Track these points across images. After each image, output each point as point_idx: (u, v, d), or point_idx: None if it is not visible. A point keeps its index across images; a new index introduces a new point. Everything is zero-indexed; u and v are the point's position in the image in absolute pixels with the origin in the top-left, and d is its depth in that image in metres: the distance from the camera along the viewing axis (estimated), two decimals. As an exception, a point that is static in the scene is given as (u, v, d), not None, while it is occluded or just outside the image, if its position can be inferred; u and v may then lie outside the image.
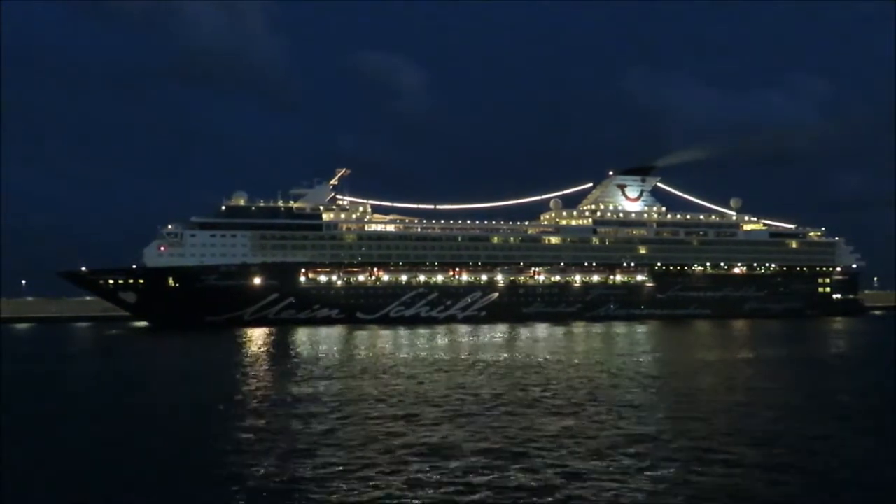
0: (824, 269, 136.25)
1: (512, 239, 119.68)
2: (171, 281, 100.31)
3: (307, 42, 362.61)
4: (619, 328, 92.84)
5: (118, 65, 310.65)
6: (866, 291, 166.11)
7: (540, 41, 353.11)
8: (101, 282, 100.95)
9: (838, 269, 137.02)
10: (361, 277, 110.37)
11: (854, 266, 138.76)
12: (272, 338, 75.96)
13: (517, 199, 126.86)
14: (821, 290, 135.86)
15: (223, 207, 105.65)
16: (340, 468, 20.84)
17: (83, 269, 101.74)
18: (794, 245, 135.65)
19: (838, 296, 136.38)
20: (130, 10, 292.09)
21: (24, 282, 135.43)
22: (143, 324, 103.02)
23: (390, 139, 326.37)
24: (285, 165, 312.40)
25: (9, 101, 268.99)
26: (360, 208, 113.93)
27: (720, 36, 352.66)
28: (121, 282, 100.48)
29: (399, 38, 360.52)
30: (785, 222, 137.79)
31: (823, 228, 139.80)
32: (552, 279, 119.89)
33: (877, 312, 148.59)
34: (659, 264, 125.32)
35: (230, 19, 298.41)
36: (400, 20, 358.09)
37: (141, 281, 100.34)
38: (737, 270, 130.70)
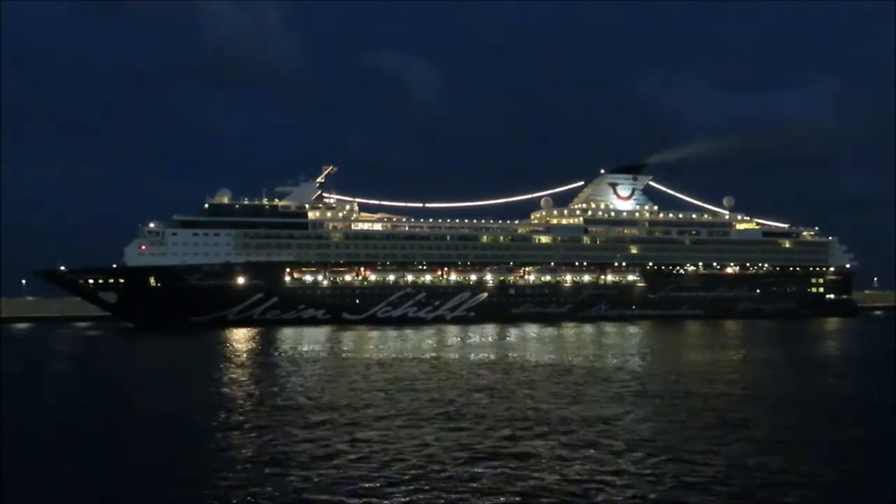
0: (818, 268, 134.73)
1: (502, 238, 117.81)
2: (152, 280, 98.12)
3: (320, 41, 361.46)
4: (610, 328, 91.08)
5: (131, 64, 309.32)
6: (866, 291, 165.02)
7: (550, 41, 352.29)
8: (81, 281, 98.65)
9: (832, 268, 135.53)
10: (348, 277, 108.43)
11: (848, 266, 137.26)
12: (255, 339, 73.84)
13: (508, 197, 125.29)
14: (814, 290, 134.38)
15: (206, 205, 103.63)
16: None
17: (62, 268, 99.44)
18: (788, 245, 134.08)
19: (832, 296, 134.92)
20: (142, 10, 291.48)
21: (23, 281, 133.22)
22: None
23: (398, 138, 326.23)
24: (295, 164, 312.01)
25: (15, 100, 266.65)
26: (347, 207, 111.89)
27: (727, 36, 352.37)
28: (100, 281, 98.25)
29: (409, 38, 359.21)
30: (778, 222, 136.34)
31: (817, 228, 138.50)
32: (542, 279, 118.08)
33: (877, 313, 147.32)
34: (651, 264, 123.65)
35: (244, 18, 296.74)
36: (410, 20, 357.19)
37: (121, 280, 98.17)
38: (729, 270, 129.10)
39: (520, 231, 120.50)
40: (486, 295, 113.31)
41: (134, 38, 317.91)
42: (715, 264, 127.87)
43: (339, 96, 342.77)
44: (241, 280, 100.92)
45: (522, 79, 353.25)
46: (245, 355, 55.78)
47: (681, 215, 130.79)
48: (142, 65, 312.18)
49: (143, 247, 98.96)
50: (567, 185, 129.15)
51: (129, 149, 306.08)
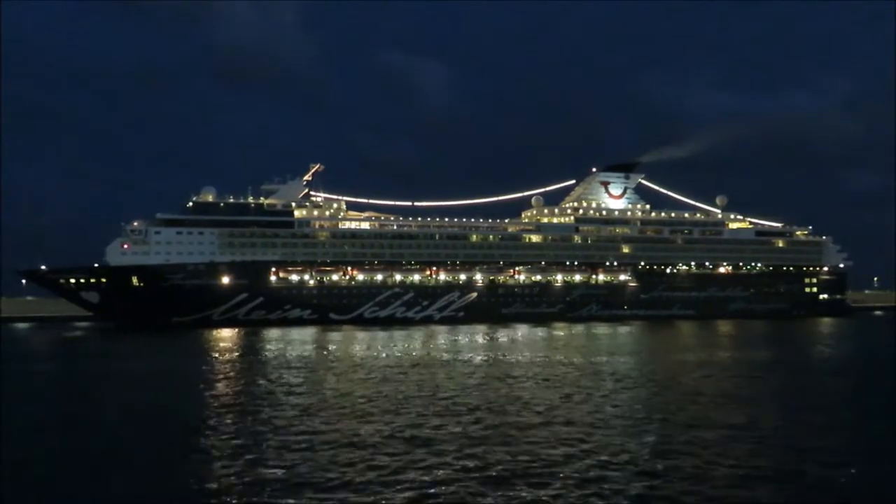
0: (811, 268, 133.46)
1: (491, 237, 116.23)
2: (135, 280, 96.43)
3: (330, 41, 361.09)
4: (602, 329, 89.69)
5: (144, 63, 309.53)
6: (866, 291, 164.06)
7: (554, 41, 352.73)
8: (62, 281, 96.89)
9: (825, 268, 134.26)
10: (335, 277, 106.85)
11: (841, 266, 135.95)
12: (238, 340, 72.24)
13: (498, 196, 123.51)
14: (807, 290, 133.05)
15: (190, 204, 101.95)
16: None
17: (42, 267, 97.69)
18: (781, 244, 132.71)
19: (825, 296, 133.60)
20: (152, 10, 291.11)
21: (24, 281, 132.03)
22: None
23: (401, 137, 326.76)
24: (299, 163, 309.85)
25: (17, 100, 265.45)
26: (335, 205, 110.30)
27: (730, 36, 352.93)
28: (82, 281, 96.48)
29: (414, 38, 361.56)
30: (772, 221, 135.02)
31: (810, 227, 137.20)
32: (533, 279, 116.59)
33: (877, 313, 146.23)
34: (642, 263, 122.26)
35: (257, 18, 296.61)
36: (412, 20, 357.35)
37: (103, 280, 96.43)
38: (722, 270, 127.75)
39: (510, 230, 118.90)
40: (475, 295, 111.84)
41: (143, 37, 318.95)
42: (707, 264, 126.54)
43: (345, 95, 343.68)
44: (225, 280, 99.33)
45: (526, 79, 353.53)
46: (230, 357, 54.21)
47: (673, 214, 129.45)
48: (151, 65, 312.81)
49: (126, 245, 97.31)
50: (558, 183, 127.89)
51: (135, 149, 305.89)
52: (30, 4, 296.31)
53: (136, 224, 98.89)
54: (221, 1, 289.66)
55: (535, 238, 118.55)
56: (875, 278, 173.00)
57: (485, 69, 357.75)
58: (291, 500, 18.28)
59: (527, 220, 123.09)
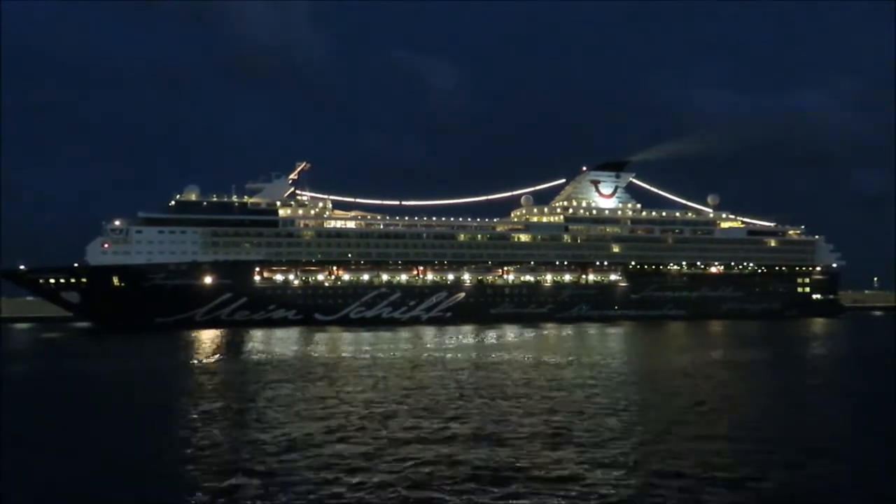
0: (804, 268, 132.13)
1: (480, 236, 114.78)
2: (116, 280, 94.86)
3: (336, 41, 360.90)
4: (592, 329, 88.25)
5: (150, 62, 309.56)
6: (866, 291, 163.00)
7: (557, 41, 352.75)
8: (41, 281, 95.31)
9: (818, 268, 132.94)
10: (320, 277, 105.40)
11: (834, 265, 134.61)
12: (219, 340, 70.74)
13: (487, 195, 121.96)
14: (800, 289, 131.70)
15: (172, 203, 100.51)
16: None
17: (21, 267, 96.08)
18: (773, 244, 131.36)
19: (818, 296, 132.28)
20: (163, 8, 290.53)
21: None
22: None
23: (409, 136, 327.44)
24: (303, 160, 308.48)
25: (19, 100, 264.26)
26: (320, 204, 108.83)
27: (733, 36, 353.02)
28: (62, 281, 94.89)
29: (423, 37, 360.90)
30: (764, 220, 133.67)
31: (803, 227, 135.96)
32: (522, 279, 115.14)
33: (877, 313, 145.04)
34: (633, 263, 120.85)
35: (266, 16, 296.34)
36: (414, 20, 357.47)
37: (84, 280, 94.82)
38: (714, 270, 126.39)
39: (498, 229, 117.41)
40: (463, 295, 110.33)
41: (150, 36, 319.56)
42: (699, 263, 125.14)
43: (351, 93, 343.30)
44: (208, 280, 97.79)
45: (530, 79, 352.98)
46: (214, 357, 52.77)
47: (664, 213, 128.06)
48: (157, 63, 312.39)
49: (106, 245, 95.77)
50: (548, 182, 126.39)
51: (138, 148, 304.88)
52: (32, 4, 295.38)
53: (117, 223, 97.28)
54: (226, 1, 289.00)
55: (524, 237, 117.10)
56: (875, 278, 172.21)
57: (490, 69, 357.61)
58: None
59: (516, 220, 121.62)
